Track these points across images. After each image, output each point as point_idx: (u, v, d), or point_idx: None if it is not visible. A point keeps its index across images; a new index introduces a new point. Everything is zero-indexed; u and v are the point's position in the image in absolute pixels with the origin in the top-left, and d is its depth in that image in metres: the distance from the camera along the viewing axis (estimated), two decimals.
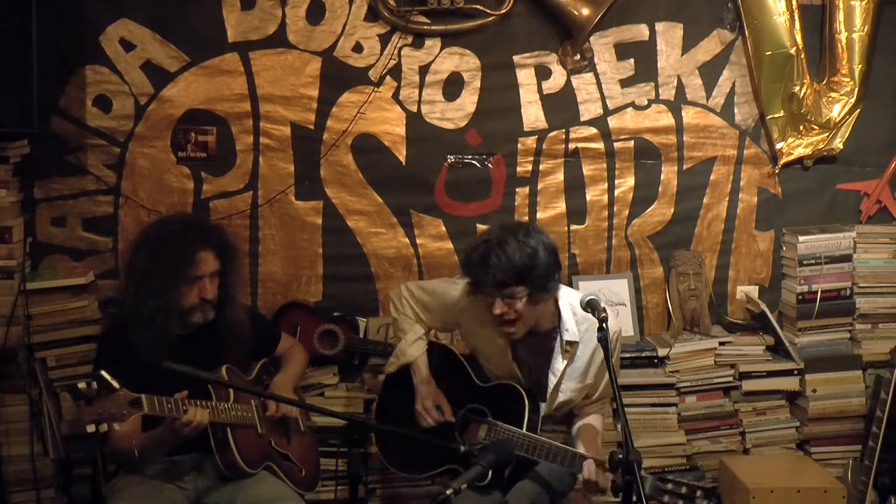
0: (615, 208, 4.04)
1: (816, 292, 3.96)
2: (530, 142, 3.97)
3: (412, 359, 3.27)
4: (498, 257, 2.92)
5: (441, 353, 3.35)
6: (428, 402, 3.20)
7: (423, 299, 3.32)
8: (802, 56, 3.93)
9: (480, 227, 3.97)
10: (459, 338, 3.52)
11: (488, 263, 2.93)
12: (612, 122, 3.99)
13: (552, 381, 3.17)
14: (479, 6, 3.82)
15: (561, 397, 3.19)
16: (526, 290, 2.96)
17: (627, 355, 3.87)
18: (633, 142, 4.01)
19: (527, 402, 3.11)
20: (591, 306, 2.85)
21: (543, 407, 3.17)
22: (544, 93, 3.95)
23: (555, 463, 3.01)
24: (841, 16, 3.90)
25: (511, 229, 3.01)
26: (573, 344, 3.14)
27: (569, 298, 3.15)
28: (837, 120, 3.98)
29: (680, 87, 4.00)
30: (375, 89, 3.87)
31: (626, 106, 3.99)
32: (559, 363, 3.16)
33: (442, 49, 3.88)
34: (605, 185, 4.02)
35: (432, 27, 3.85)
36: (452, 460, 3.10)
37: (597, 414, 3.30)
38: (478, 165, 3.97)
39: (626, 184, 4.04)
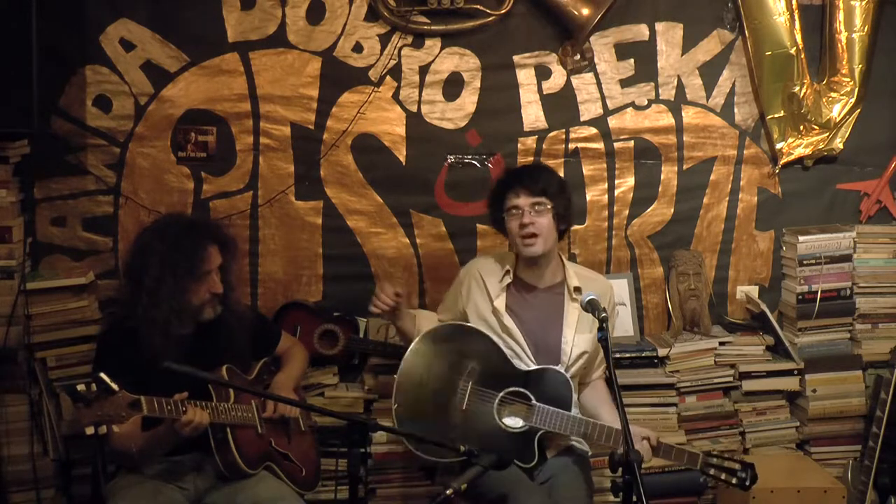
0: (615, 208, 4.04)
1: (816, 292, 3.96)
2: (530, 142, 3.97)
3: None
4: (530, 166, 3.45)
5: (467, 332, 3.31)
6: (383, 286, 3.27)
7: (442, 310, 3.48)
8: (802, 56, 3.93)
9: (480, 227, 3.97)
10: None
11: (522, 169, 3.37)
12: (612, 122, 3.99)
13: (567, 332, 3.24)
14: (479, 6, 3.82)
15: (574, 352, 3.24)
16: (552, 207, 3.18)
17: (627, 355, 3.87)
18: (633, 142, 4.01)
19: (573, 388, 3.16)
20: (591, 306, 2.86)
21: (564, 364, 3.22)
22: (544, 93, 3.95)
23: (601, 441, 3.10)
24: (841, 16, 3.90)
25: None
26: (578, 290, 3.24)
27: (566, 261, 3.39)
28: (837, 120, 3.98)
29: (680, 87, 4.00)
30: (375, 89, 3.87)
31: (626, 106, 3.99)
32: (572, 313, 3.25)
33: (442, 49, 3.88)
34: (605, 185, 4.03)
35: (432, 27, 3.85)
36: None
37: (600, 379, 3.39)
38: (478, 165, 3.97)
39: (626, 184, 4.04)
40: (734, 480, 3.09)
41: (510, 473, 2.99)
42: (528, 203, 3.19)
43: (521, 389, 3.17)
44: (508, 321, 3.24)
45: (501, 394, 3.18)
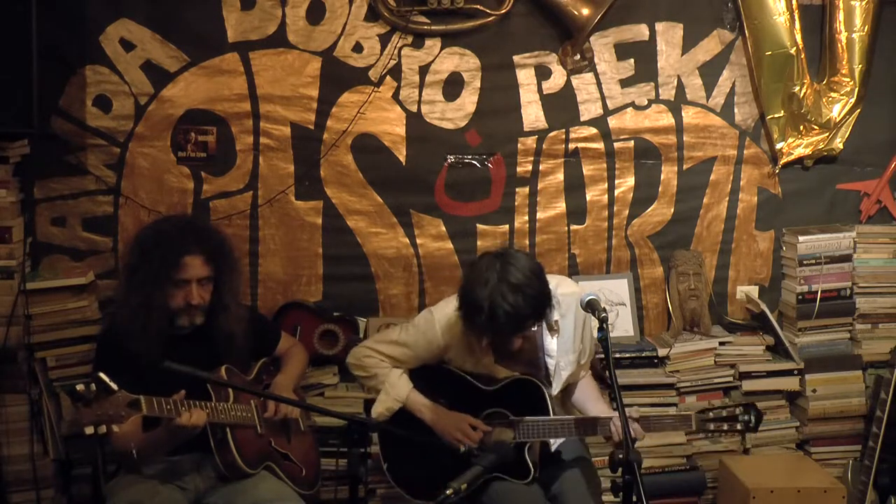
0: (615, 208, 4.04)
1: (816, 292, 3.96)
2: (530, 142, 3.97)
3: (403, 397, 3.18)
4: (507, 313, 2.87)
5: (433, 373, 3.26)
6: (463, 426, 3.11)
7: (391, 352, 3.23)
8: (802, 56, 3.93)
9: (480, 227, 3.97)
10: None
11: (499, 321, 2.90)
12: (612, 122, 3.99)
13: (551, 362, 3.19)
14: (479, 6, 3.82)
15: (564, 374, 3.21)
16: (536, 322, 3.02)
17: (627, 355, 3.87)
18: (633, 142, 4.01)
19: (544, 389, 3.11)
20: (591, 306, 2.86)
21: (553, 390, 3.18)
22: (544, 93, 3.95)
23: (587, 434, 3.07)
24: (841, 16, 3.90)
25: (500, 275, 2.91)
26: (556, 321, 3.17)
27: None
28: (837, 120, 3.98)
29: (680, 87, 4.00)
30: (375, 89, 3.87)
31: (626, 106, 3.99)
32: (551, 343, 3.18)
33: (442, 49, 3.88)
34: (605, 185, 4.02)
35: (432, 27, 3.85)
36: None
37: (588, 376, 3.34)
38: (478, 165, 3.97)
39: (626, 184, 4.04)
40: (739, 426, 3.06)
41: (519, 491, 3.00)
42: (522, 338, 3.04)
43: (497, 409, 3.15)
44: (504, 372, 3.18)
45: (480, 420, 3.15)
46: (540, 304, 2.96)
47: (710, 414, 3.08)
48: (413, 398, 3.19)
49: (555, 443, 3.21)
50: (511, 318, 2.90)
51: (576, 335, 3.20)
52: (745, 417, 3.05)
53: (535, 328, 3.05)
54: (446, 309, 3.16)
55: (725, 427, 3.06)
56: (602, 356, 3.10)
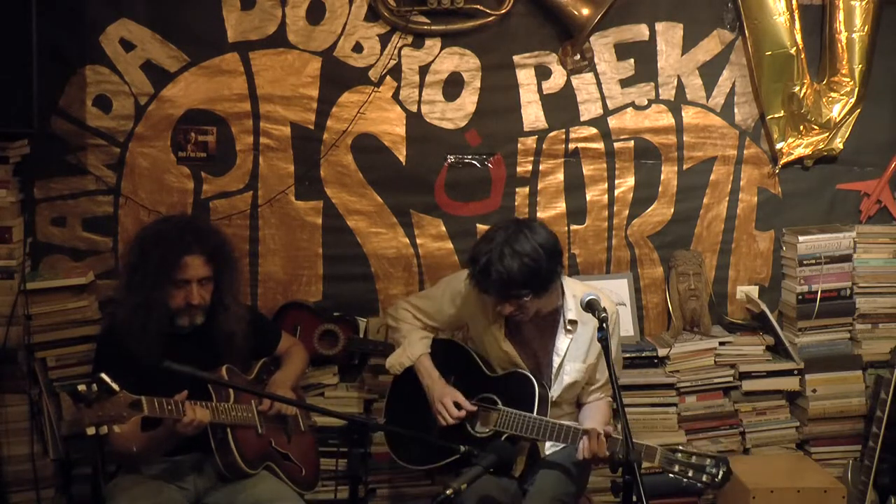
0: (615, 208, 4.04)
1: (816, 292, 3.96)
2: (530, 142, 3.97)
3: (415, 357, 3.30)
4: (498, 273, 3.00)
5: (447, 347, 3.38)
6: (445, 400, 3.19)
7: (422, 305, 3.39)
8: (802, 56, 3.93)
9: (480, 227, 3.96)
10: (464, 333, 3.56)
11: (490, 279, 3.02)
12: (612, 122, 3.99)
13: (556, 361, 3.22)
14: (479, 6, 3.82)
15: (566, 379, 3.22)
16: (530, 293, 3.06)
17: (627, 355, 3.86)
18: (633, 142, 4.01)
19: (537, 387, 3.14)
20: (591, 307, 2.86)
21: (552, 392, 3.20)
22: (544, 93, 3.95)
23: (560, 441, 3.07)
24: (841, 16, 3.90)
25: (508, 237, 3.04)
26: (574, 323, 3.20)
27: (569, 283, 3.27)
28: (837, 120, 3.98)
29: (680, 87, 4.00)
30: (375, 89, 3.87)
31: (626, 106, 3.99)
32: (562, 342, 3.22)
33: (442, 49, 3.88)
34: (605, 185, 4.02)
35: (432, 27, 3.85)
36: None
37: (603, 400, 3.32)
38: (478, 165, 3.97)
39: (626, 184, 4.04)
40: (704, 477, 2.82)
41: (489, 480, 2.99)
42: (514, 306, 3.08)
43: (492, 395, 3.19)
44: (508, 347, 3.23)
45: (472, 402, 3.21)
46: (535, 277, 3.03)
47: (679, 455, 2.89)
48: (423, 361, 3.30)
49: (550, 446, 3.22)
50: (501, 280, 3.00)
51: (591, 348, 3.22)
52: (713, 470, 2.82)
53: (528, 298, 3.06)
54: None
55: (690, 474, 2.85)
56: None
